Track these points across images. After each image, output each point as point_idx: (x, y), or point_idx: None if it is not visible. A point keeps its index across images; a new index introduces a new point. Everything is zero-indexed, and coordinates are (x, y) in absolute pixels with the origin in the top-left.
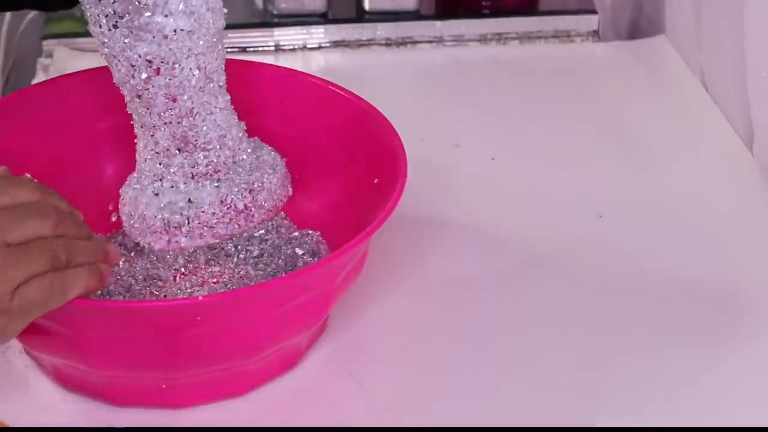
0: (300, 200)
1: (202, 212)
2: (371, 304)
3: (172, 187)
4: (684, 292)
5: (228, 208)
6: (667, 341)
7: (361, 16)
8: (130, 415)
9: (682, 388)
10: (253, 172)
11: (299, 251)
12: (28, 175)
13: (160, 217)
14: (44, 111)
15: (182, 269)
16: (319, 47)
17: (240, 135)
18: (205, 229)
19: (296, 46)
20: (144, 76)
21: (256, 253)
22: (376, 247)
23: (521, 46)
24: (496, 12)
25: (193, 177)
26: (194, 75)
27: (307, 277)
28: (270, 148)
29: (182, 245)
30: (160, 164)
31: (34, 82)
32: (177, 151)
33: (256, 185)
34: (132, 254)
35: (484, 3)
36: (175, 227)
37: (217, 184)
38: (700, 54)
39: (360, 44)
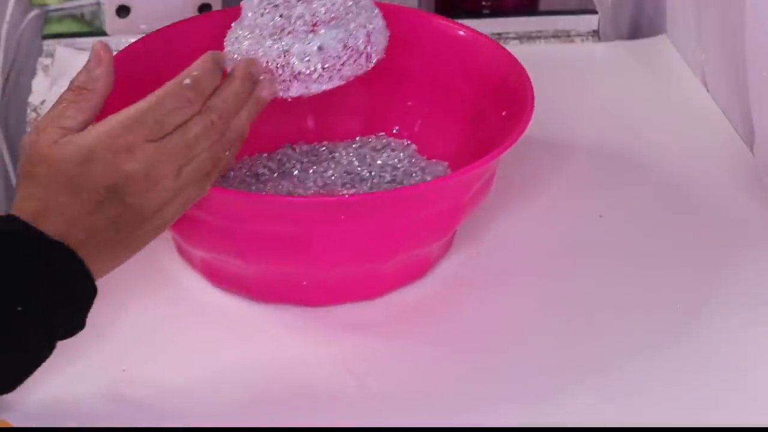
0: (429, 134)
1: (330, 57)
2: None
3: (296, 37)
4: (684, 292)
5: (351, 51)
6: (668, 341)
7: None
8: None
9: (682, 387)
10: (361, 15)
11: (429, 178)
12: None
13: (289, 67)
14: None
15: (321, 191)
16: None
17: None
18: (334, 72)
19: None
20: None
21: (388, 178)
22: None
23: (521, 46)
24: (496, 12)
25: (314, 25)
26: None
27: (442, 187)
28: None
29: (312, 91)
30: (280, 16)
31: (34, 82)
32: (297, 2)
33: (368, 27)
34: (275, 174)
35: (484, 3)
36: (307, 74)
37: (336, 30)
38: (701, 54)
39: None
